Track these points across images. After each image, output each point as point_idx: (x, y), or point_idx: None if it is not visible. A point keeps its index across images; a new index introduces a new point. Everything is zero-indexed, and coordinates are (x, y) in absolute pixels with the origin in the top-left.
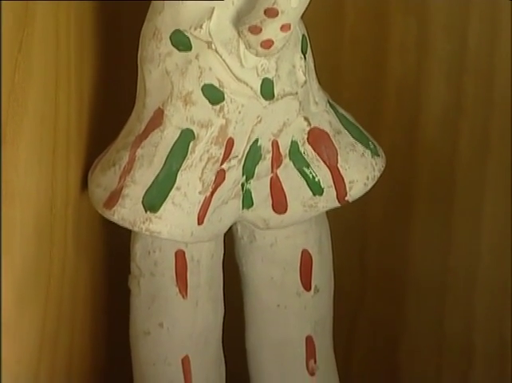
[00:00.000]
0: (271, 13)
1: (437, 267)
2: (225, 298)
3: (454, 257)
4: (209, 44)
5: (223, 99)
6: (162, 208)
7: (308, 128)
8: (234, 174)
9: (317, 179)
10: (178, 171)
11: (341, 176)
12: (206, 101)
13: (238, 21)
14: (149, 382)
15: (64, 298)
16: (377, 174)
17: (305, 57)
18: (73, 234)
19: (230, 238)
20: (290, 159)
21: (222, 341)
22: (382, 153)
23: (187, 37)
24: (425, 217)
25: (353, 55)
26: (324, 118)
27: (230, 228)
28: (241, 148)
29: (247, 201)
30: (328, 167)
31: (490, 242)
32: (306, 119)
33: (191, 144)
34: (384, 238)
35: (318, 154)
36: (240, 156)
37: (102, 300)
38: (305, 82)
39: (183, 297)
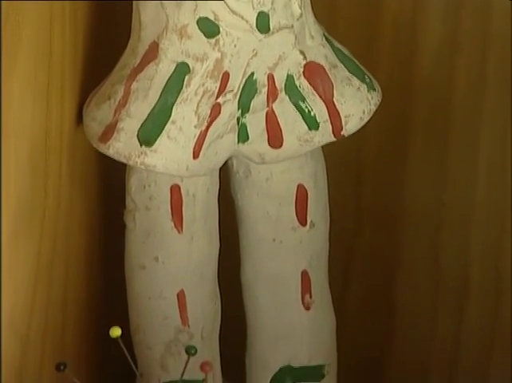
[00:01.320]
0: None
1: (432, 202)
2: (220, 232)
3: (450, 192)
4: None
5: (218, 32)
6: (157, 142)
7: (303, 62)
8: (230, 108)
9: (312, 114)
10: (173, 104)
11: (337, 111)
12: (202, 35)
13: None
14: (144, 316)
15: (59, 230)
16: (373, 108)
17: None
18: (68, 168)
19: (225, 173)
20: (286, 93)
21: (218, 276)
22: (378, 87)
23: None
24: (421, 152)
25: None
26: (320, 52)
27: (226, 163)
28: (236, 82)
29: (243, 135)
30: (323, 101)
31: (485, 178)
32: (302, 52)
33: (187, 78)
34: (380, 173)
35: (314, 88)
36: (235, 90)
37: (97, 234)
38: (301, 15)
39: (179, 231)
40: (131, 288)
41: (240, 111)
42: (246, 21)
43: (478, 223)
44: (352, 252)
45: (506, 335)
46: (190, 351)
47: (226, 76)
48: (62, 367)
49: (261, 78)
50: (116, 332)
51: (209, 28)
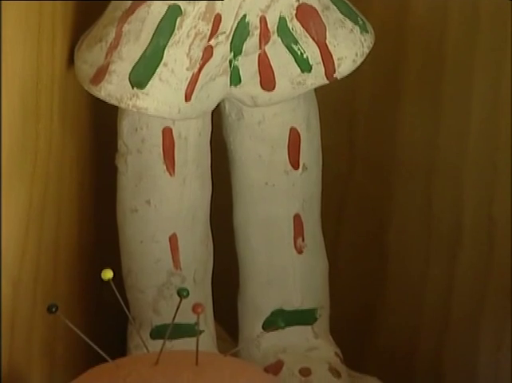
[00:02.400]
0: None
1: (426, 148)
2: (212, 176)
3: (443, 137)
4: None
5: None
6: (149, 84)
7: (296, 4)
8: (222, 50)
9: (305, 56)
10: (165, 47)
11: (330, 53)
12: None
13: None
14: (136, 260)
15: (51, 174)
16: (366, 50)
17: None
18: (59, 111)
19: (218, 116)
20: (278, 35)
21: (210, 220)
22: (371, 29)
23: None
24: (414, 97)
25: None
26: None
27: (218, 106)
28: (228, 24)
29: (235, 78)
30: (316, 43)
31: (479, 123)
32: None
33: (178, 20)
34: (373, 117)
35: (306, 30)
36: (228, 32)
37: (89, 177)
38: None
39: (171, 174)
40: (123, 232)
41: (232, 53)
42: None
43: (472, 169)
44: (344, 197)
45: (498, 282)
46: (182, 293)
47: (218, 19)
48: (54, 309)
49: (254, 20)
50: (107, 274)
51: None
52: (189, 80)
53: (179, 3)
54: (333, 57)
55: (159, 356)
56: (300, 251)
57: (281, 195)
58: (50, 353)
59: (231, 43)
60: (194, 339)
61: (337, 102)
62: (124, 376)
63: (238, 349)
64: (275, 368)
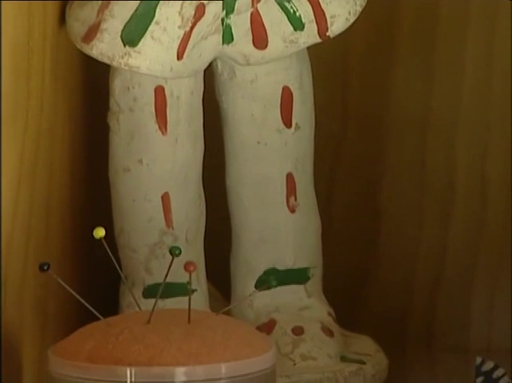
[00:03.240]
0: None
1: (419, 106)
2: (205, 135)
3: (436, 96)
4: None
5: None
6: (141, 43)
7: None
8: (214, 8)
9: (297, 14)
10: (157, 5)
11: (322, 11)
12: None
13: None
14: (128, 219)
15: (42, 132)
16: (359, 9)
17: None
18: (51, 69)
19: (210, 75)
20: None
21: (202, 179)
22: None
23: None
24: (407, 55)
25: None
26: None
27: (211, 65)
28: None
29: (227, 36)
30: (309, 1)
31: (471, 82)
32: None
33: None
34: (366, 76)
35: None
36: None
37: (80, 137)
38: None
39: (163, 133)
40: (115, 191)
41: (224, 12)
42: None
43: (465, 127)
44: (337, 156)
45: (491, 240)
46: (174, 252)
47: None
48: (46, 267)
49: None
50: (99, 232)
51: None
52: (181, 38)
53: None
54: (326, 15)
55: (151, 314)
56: (292, 210)
57: (273, 154)
58: (42, 312)
59: (223, 1)
60: (186, 298)
61: (330, 61)
62: (116, 334)
63: (230, 308)
64: (268, 327)
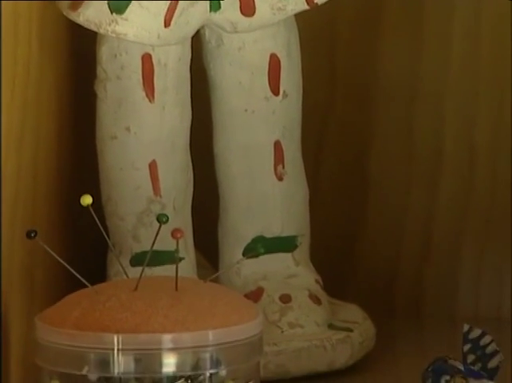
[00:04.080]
0: None
1: (407, 75)
2: (192, 103)
3: (425, 64)
4: None
5: None
6: (128, 10)
7: None
8: None
9: None
10: None
11: None
12: None
13: None
14: (116, 187)
15: (29, 100)
16: None
17: None
18: (38, 36)
19: (198, 43)
20: None
21: (190, 147)
22: None
23: None
24: (396, 23)
25: None
26: None
27: (198, 32)
28: None
29: (215, 4)
30: None
31: (460, 50)
32: None
33: None
34: (354, 44)
35: None
36: None
37: (67, 105)
38: None
39: (150, 101)
40: (102, 159)
41: None
42: None
43: (453, 96)
44: (325, 125)
45: (478, 209)
46: (161, 219)
47: None
48: (33, 234)
49: None
50: (86, 200)
51: None
52: (168, 5)
53: None
54: None
55: (139, 281)
56: (280, 178)
57: (261, 122)
58: (29, 279)
59: None
60: (174, 266)
61: (318, 29)
62: (103, 301)
63: (217, 275)
64: (255, 295)
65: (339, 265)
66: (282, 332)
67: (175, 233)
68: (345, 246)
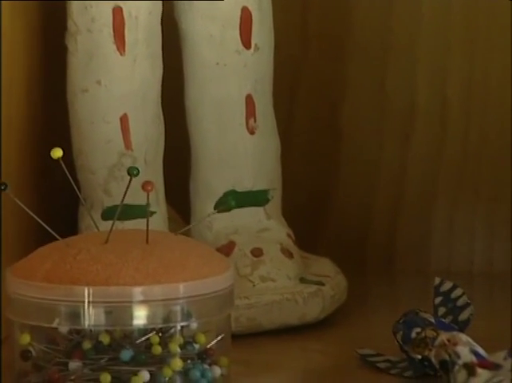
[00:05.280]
0: None
1: (380, 28)
2: (163, 56)
3: (397, 17)
4: None
5: None
6: None
7: None
8: None
9: None
10: None
11: None
12: None
13: None
14: (87, 140)
15: (1, 53)
16: None
17: None
18: None
19: None
20: None
21: (162, 101)
22: None
23: None
24: None
25: None
26: None
27: None
28: None
29: None
30: None
31: (431, 1)
32: None
33: None
34: None
35: None
36: None
37: (38, 58)
38: None
39: (121, 53)
40: (73, 112)
41: None
42: None
43: (425, 49)
44: (297, 79)
45: (451, 163)
46: (132, 172)
47: None
48: (3, 187)
49: None
50: (57, 153)
51: None
52: None
53: None
54: None
55: (109, 234)
56: (252, 132)
57: (232, 75)
58: (0, 233)
59: None
60: (145, 220)
61: None
62: (73, 254)
63: (189, 228)
64: (227, 249)
65: (311, 219)
66: (254, 286)
67: (145, 185)
68: (318, 201)
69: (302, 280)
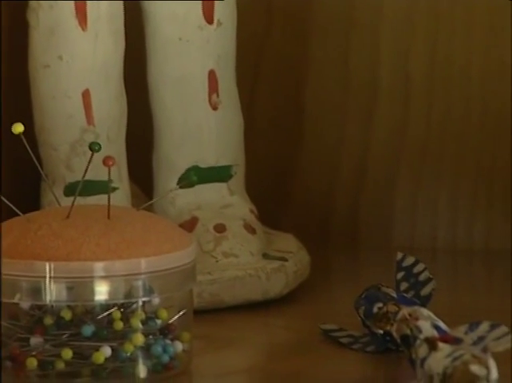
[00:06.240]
0: None
1: (342, 4)
2: (126, 32)
3: None
4: None
5: None
6: None
7: None
8: None
9: None
10: None
11: None
12: None
13: None
14: (49, 116)
15: None
16: None
17: None
18: None
19: None
20: None
21: (124, 77)
22: None
23: None
24: None
25: None
26: None
27: None
28: None
29: None
30: None
31: None
32: None
33: None
34: None
35: None
36: None
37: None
38: None
39: (83, 29)
40: (35, 88)
41: None
42: None
43: (388, 26)
44: (261, 55)
45: (414, 140)
46: (93, 148)
47: None
48: None
49: None
50: (18, 128)
51: None
52: None
53: None
54: None
55: (71, 210)
56: (214, 108)
57: (195, 51)
58: None
59: None
60: (108, 196)
61: None
62: (34, 229)
63: (151, 204)
64: (190, 224)
65: (274, 195)
66: (217, 261)
67: (106, 160)
68: (281, 177)
69: (265, 256)
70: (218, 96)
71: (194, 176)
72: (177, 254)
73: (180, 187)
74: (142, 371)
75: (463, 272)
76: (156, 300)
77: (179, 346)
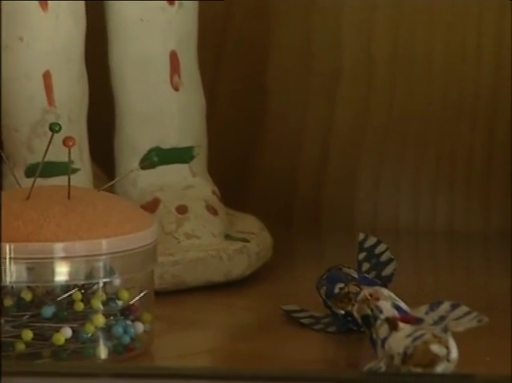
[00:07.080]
0: None
1: None
2: (87, 14)
3: None
4: None
5: None
6: None
7: None
8: None
9: None
10: None
11: None
12: None
13: None
14: (10, 98)
15: None
16: None
17: None
18: None
19: None
20: None
21: (85, 59)
22: None
23: None
24: None
25: None
26: None
27: None
28: None
29: None
30: None
31: None
32: None
33: None
34: None
35: None
36: None
37: None
38: None
39: (43, 9)
40: None
41: None
42: None
43: (350, 7)
44: (223, 35)
45: (376, 120)
46: (54, 128)
47: None
48: None
49: None
50: None
51: None
52: None
53: None
54: None
55: (31, 191)
56: (176, 88)
57: (156, 32)
58: None
59: None
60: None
61: None
62: None
63: (112, 184)
64: (152, 205)
65: (237, 176)
66: (179, 242)
67: (66, 141)
68: (243, 158)
69: (227, 237)
70: (179, 77)
71: (156, 157)
72: (138, 234)
73: (142, 168)
74: (103, 352)
75: (425, 253)
76: (117, 281)
77: (140, 327)
